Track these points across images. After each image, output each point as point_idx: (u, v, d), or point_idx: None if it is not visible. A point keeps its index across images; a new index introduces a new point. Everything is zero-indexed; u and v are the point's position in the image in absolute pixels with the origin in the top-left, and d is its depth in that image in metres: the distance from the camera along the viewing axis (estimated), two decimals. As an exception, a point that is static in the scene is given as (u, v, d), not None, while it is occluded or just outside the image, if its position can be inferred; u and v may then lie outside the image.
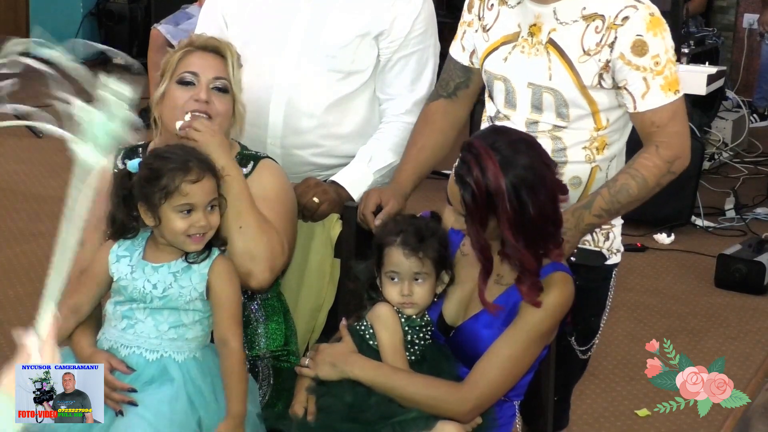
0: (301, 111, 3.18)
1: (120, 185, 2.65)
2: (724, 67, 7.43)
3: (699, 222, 6.49)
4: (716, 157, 7.54)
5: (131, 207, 2.65)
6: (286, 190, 2.92)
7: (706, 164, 7.20)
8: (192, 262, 2.64)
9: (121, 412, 2.59)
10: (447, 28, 3.23)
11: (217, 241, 2.68)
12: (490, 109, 2.96)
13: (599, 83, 2.76)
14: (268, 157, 2.96)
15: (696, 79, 6.45)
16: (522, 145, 2.48)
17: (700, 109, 7.02)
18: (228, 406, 2.60)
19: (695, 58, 7.09)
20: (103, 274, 2.70)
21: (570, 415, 3.22)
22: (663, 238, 6.26)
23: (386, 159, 3.19)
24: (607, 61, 2.74)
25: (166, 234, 2.62)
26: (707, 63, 7.01)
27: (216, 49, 2.87)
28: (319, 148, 3.22)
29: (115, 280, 2.66)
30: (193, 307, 2.65)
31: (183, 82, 2.83)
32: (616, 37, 2.73)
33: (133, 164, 2.65)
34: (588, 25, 2.76)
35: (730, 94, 7.96)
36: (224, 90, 2.85)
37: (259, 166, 2.89)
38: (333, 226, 3.11)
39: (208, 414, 2.64)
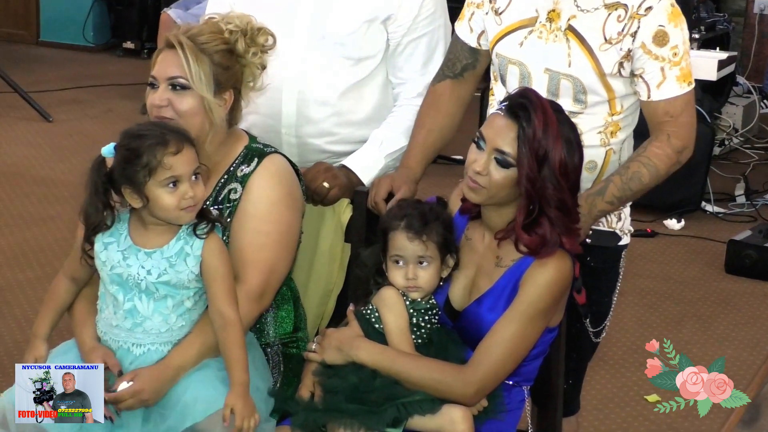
0: (313, 100, 3.17)
1: (96, 173, 2.58)
2: (735, 53, 7.41)
3: (709, 208, 6.48)
4: (726, 142, 7.51)
5: (107, 195, 2.58)
6: (278, 202, 2.80)
7: (717, 150, 7.17)
8: (200, 236, 2.58)
9: (110, 419, 2.58)
10: (458, 13, 3.20)
11: (211, 215, 2.64)
12: (499, 92, 2.95)
13: (619, 71, 2.77)
14: (275, 152, 2.86)
15: (706, 64, 6.43)
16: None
17: (710, 94, 6.99)
18: (232, 375, 2.57)
19: (706, 44, 7.06)
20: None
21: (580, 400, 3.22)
22: (673, 224, 6.24)
23: (398, 143, 3.18)
24: (629, 50, 2.75)
25: (158, 212, 2.56)
26: (718, 48, 6.97)
27: (172, 45, 2.74)
28: (334, 136, 3.20)
29: (108, 269, 2.60)
30: (193, 286, 2.61)
31: (150, 85, 2.76)
32: (639, 27, 2.74)
33: (107, 149, 2.58)
34: (610, 14, 2.76)
35: (740, 79, 7.92)
36: (183, 87, 2.71)
37: (261, 167, 2.80)
38: (343, 211, 3.11)
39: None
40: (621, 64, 2.76)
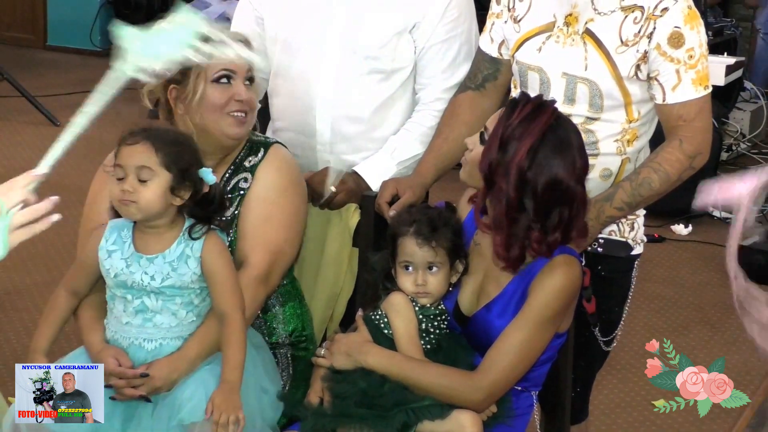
0: (347, 117, 3.16)
1: None
2: (743, 58, 7.40)
3: (717, 213, 6.47)
4: (734, 148, 7.51)
5: None
6: (287, 186, 2.88)
7: (724, 155, 7.17)
8: (196, 238, 2.60)
9: (146, 399, 2.59)
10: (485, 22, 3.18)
11: (212, 214, 2.66)
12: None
13: (636, 74, 2.76)
14: (277, 142, 2.95)
15: (714, 69, 6.41)
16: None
17: (718, 99, 6.98)
18: (222, 373, 2.58)
19: (714, 49, 7.05)
20: (93, 264, 2.67)
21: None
22: (681, 229, 6.24)
23: (412, 150, 3.17)
24: (645, 52, 2.74)
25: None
26: (725, 53, 6.98)
27: (247, 42, 2.80)
28: (368, 151, 3.19)
29: (112, 276, 2.61)
30: (198, 285, 2.62)
31: (219, 81, 2.78)
32: (654, 28, 2.73)
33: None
34: (627, 16, 2.76)
35: (748, 84, 7.92)
36: (253, 80, 2.83)
37: (269, 155, 2.88)
38: (351, 216, 3.10)
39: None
40: (638, 67, 2.75)
